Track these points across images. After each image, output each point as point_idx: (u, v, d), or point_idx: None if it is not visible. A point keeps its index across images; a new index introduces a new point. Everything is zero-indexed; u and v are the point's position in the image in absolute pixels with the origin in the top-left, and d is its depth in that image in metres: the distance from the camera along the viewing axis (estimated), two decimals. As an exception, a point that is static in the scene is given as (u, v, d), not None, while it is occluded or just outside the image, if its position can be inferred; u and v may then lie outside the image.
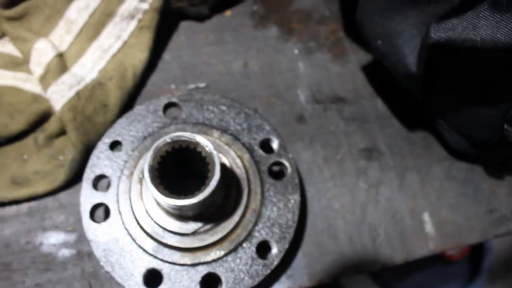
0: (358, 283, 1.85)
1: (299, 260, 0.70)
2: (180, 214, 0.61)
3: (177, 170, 0.61)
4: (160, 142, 0.56)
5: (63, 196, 0.74)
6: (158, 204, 0.61)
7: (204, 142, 0.56)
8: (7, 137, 0.74)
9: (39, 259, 0.71)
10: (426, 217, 0.74)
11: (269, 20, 0.84)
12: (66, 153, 0.74)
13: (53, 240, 0.72)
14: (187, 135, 0.56)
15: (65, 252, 0.71)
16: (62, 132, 0.75)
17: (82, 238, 0.72)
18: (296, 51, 0.82)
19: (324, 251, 0.71)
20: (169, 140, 0.56)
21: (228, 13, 0.84)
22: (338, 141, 0.77)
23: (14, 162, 0.74)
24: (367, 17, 0.68)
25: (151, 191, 0.54)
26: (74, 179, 0.74)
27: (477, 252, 1.70)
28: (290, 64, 0.81)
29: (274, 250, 0.64)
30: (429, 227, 0.73)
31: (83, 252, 0.71)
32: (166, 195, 0.54)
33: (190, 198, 0.54)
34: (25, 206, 0.74)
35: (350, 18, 0.83)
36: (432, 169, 0.77)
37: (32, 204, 0.74)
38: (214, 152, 0.55)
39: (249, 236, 0.64)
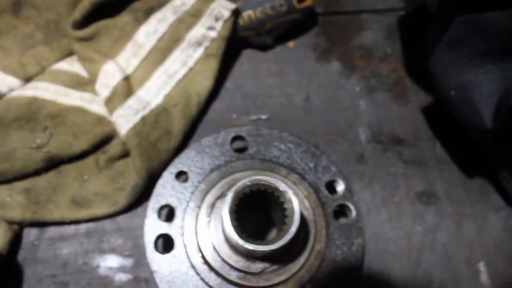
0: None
1: (355, 301, 0.71)
2: (250, 255, 0.61)
3: (248, 209, 0.61)
4: (239, 185, 0.56)
5: (121, 219, 0.75)
6: (227, 241, 0.61)
7: (284, 188, 0.56)
8: (70, 157, 0.74)
9: (96, 281, 0.72)
10: (481, 266, 0.74)
11: (331, 54, 0.84)
12: (127, 176, 0.74)
13: (110, 263, 0.73)
14: (267, 179, 0.56)
15: (122, 277, 0.72)
16: (123, 155, 0.75)
17: (139, 264, 0.72)
18: (357, 88, 0.82)
19: (380, 294, 0.71)
20: (248, 183, 0.56)
21: (291, 44, 0.84)
22: (396, 183, 0.77)
23: (74, 181, 0.75)
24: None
25: (229, 234, 0.54)
26: (133, 204, 0.74)
27: None
28: (352, 101, 0.81)
29: (337, 294, 0.64)
30: (484, 277, 0.74)
31: (140, 278, 0.72)
32: (245, 240, 0.54)
33: (269, 244, 0.54)
34: (83, 227, 0.74)
35: (411, 57, 0.84)
36: (489, 217, 0.77)
37: (91, 225, 0.74)
38: (295, 201, 0.55)
39: (312, 278, 0.65)
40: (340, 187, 0.69)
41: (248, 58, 0.83)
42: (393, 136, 0.80)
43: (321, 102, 0.81)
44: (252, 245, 0.53)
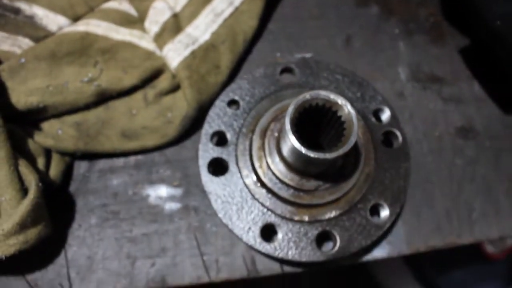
0: (398, 278, 1.87)
1: (399, 228, 0.73)
2: (304, 171, 0.63)
3: (306, 127, 0.63)
4: (300, 97, 0.58)
5: (169, 152, 0.77)
6: (283, 159, 0.63)
7: (343, 102, 0.58)
8: (119, 91, 0.76)
9: (146, 210, 0.73)
10: (521, 197, 0.76)
11: (369, -1, 0.87)
12: (174, 110, 0.76)
13: (160, 193, 0.75)
14: (326, 93, 0.58)
15: (172, 206, 0.74)
16: (171, 90, 0.77)
17: (188, 193, 0.74)
18: (396, 31, 0.85)
19: (423, 221, 0.73)
20: (308, 97, 0.58)
21: (330, -11, 0.87)
22: (436, 118, 0.79)
23: (123, 116, 0.76)
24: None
25: (291, 142, 0.55)
26: (182, 136, 0.76)
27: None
28: (391, 43, 0.84)
29: (386, 212, 0.67)
30: (524, 208, 0.76)
31: (190, 207, 0.73)
32: (306, 147, 0.55)
33: (330, 153, 0.55)
34: (132, 159, 0.76)
35: (448, 1, 0.86)
36: (527, 151, 0.79)
37: (139, 157, 0.76)
38: (353, 112, 0.57)
39: (363, 198, 0.67)
40: (386, 114, 0.71)
41: (290, 2, 0.86)
42: (431, 75, 0.82)
43: (361, 43, 0.83)
44: (314, 152, 0.55)
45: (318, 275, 2.22)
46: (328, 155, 0.55)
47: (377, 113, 0.72)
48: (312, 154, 0.55)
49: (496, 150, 0.78)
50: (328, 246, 0.69)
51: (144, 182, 0.75)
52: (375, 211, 0.67)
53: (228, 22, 0.79)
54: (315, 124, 0.63)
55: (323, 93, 0.58)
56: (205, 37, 0.77)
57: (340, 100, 0.57)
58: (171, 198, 0.74)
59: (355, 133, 0.56)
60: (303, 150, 0.55)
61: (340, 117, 0.58)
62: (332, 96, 0.58)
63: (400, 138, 0.70)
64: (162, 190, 0.75)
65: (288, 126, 0.56)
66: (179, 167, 0.75)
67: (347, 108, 0.57)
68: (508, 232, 0.74)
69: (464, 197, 0.75)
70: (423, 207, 0.74)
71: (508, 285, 1.69)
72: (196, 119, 0.74)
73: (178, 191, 0.74)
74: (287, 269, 0.71)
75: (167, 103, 0.77)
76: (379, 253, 0.72)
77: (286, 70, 0.74)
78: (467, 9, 0.75)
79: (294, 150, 0.57)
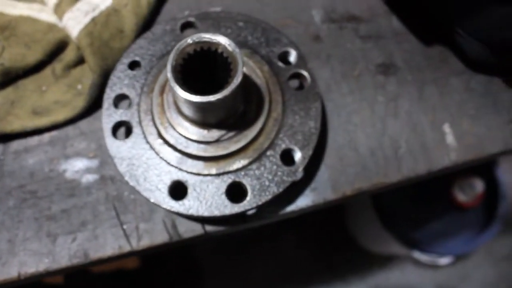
0: (378, 239, 1.86)
1: (322, 173, 0.70)
2: (204, 121, 0.61)
3: (199, 77, 0.60)
4: (182, 43, 0.55)
5: (83, 124, 0.74)
6: (181, 113, 0.61)
7: (226, 41, 0.55)
8: (25, 69, 0.74)
9: (63, 186, 0.71)
10: (446, 128, 0.74)
11: None
12: (84, 81, 0.74)
13: (76, 166, 0.73)
14: (208, 35, 0.56)
15: (89, 178, 0.72)
16: (79, 62, 0.75)
17: (104, 163, 0.72)
18: (308, -27, 0.82)
19: (347, 164, 0.71)
20: (190, 41, 0.56)
21: None
22: (355, 57, 0.76)
23: (33, 94, 0.74)
24: None
25: (174, 90, 0.53)
26: (93, 106, 0.74)
27: (491, 199, 1.69)
28: (303, -14, 0.81)
29: (298, 156, 0.64)
30: (450, 138, 0.73)
31: (106, 177, 0.71)
32: (189, 92, 0.53)
33: (213, 94, 0.53)
34: (46, 136, 0.74)
35: None
36: (450, 82, 0.76)
37: (54, 133, 0.74)
38: (237, 50, 0.55)
39: (272, 144, 0.64)
40: (292, 56, 0.69)
41: (196, -41, 0.83)
42: (348, 14, 0.79)
43: (272, -10, 0.81)
44: (197, 96, 0.53)
45: (303, 244, 2.22)
46: (212, 98, 0.53)
47: (283, 56, 0.69)
48: (194, 99, 0.53)
49: (418, 83, 0.76)
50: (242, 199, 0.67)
51: (60, 157, 0.73)
52: (287, 156, 0.65)
53: (130, -16, 0.76)
54: (211, 71, 0.61)
55: (205, 36, 0.56)
56: (106, 2, 0.75)
57: (222, 40, 0.55)
58: (88, 170, 0.72)
59: (240, 72, 0.54)
60: (186, 95, 0.53)
61: (226, 58, 0.55)
62: (214, 37, 0.55)
63: (309, 79, 0.67)
64: (78, 163, 0.73)
65: (169, 74, 0.54)
66: (93, 138, 0.73)
67: (231, 47, 0.55)
68: (436, 165, 0.72)
69: (389, 134, 0.73)
70: (346, 149, 0.72)
71: (481, 232, 1.67)
72: (104, 86, 0.72)
73: (94, 163, 0.72)
74: (210, 228, 0.69)
75: (77, 75, 0.75)
76: (303, 201, 0.70)
77: (188, 25, 0.71)
78: None
79: (180, 98, 0.54)
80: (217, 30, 0.70)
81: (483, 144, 0.74)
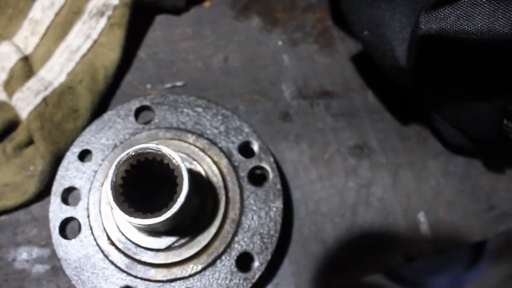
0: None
1: (286, 268, 0.66)
2: (152, 230, 0.57)
3: (145, 181, 0.56)
4: (122, 156, 0.51)
5: (35, 208, 0.70)
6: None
7: (171, 154, 0.51)
8: (-27, 148, 0.69)
9: (12, 276, 0.68)
10: (421, 217, 0.69)
11: (251, 10, 0.78)
12: (36, 162, 0.70)
13: (26, 255, 0.69)
14: (151, 146, 0.51)
15: (39, 268, 0.68)
16: (31, 141, 0.71)
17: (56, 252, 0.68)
18: (280, 43, 0.77)
19: (313, 258, 0.67)
20: (132, 153, 0.51)
21: (207, 4, 0.78)
22: (325, 138, 0.72)
23: (-18, 174, 0.70)
24: (353, 5, 0.62)
25: (114, 211, 0.49)
26: (46, 190, 0.70)
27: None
28: (274, 57, 0.76)
29: (256, 262, 0.60)
30: (424, 227, 0.69)
31: (58, 267, 0.68)
32: (130, 214, 0.49)
33: (156, 216, 0.49)
34: (-4, 220, 0.70)
35: (338, 4, 0.77)
36: (427, 165, 0.71)
37: (3, 218, 0.70)
38: (182, 165, 0.50)
39: (228, 248, 0.60)
40: (254, 147, 0.64)
41: (161, 24, 0.78)
42: (320, 90, 0.74)
43: (241, 62, 0.76)
44: (138, 219, 0.48)
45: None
46: (155, 220, 0.49)
47: (244, 148, 0.64)
48: (135, 221, 0.49)
49: (393, 166, 0.71)
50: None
51: (9, 244, 0.69)
52: (244, 261, 0.60)
53: (86, 58, 0.72)
54: (155, 172, 0.56)
55: (148, 146, 0.51)
56: (60, 79, 0.70)
57: (168, 152, 0.51)
58: (38, 259, 0.68)
59: (186, 189, 0.50)
60: (129, 219, 0.49)
61: (173, 170, 0.51)
62: (159, 149, 0.51)
63: (271, 174, 0.63)
64: (28, 252, 0.69)
65: (109, 192, 0.49)
66: (46, 225, 0.69)
67: (175, 161, 0.50)
68: (409, 256, 0.67)
69: (358, 224, 0.68)
70: (312, 242, 0.67)
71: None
72: (56, 170, 0.68)
73: (45, 251, 0.68)
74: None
75: (29, 155, 0.71)
76: (261, 299, 0.65)
77: (144, 108, 0.67)
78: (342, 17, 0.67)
79: (121, 217, 0.50)
80: (174, 116, 0.65)
81: (459, 234, 0.69)
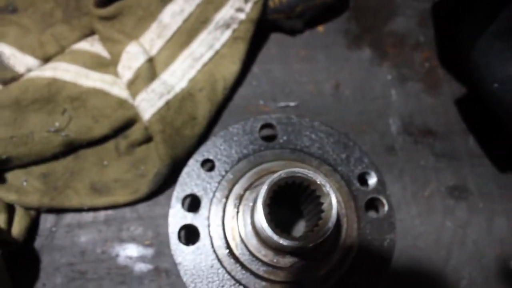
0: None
1: (382, 298, 0.68)
2: (279, 248, 0.59)
3: (278, 201, 0.58)
4: (275, 177, 0.53)
5: (142, 208, 0.72)
6: (257, 234, 0.59)
7: (321, 181, 0.53)
8: (89, 141, 0.71)
9: (115, 271, 0.69)
10: (514, 264, 0.72)
11: (362, 40, 0.81)
12: (148, 163, 0.72)
13: (130, 252, 0.70)
14: (304, 171, 0.53)
15: (142, 267, 0.70)
16: (145, 141, 0.72)
17: (160, 254, 0.70)
18: (389, 77, 0.79)
19: (407, 291, 0.69)
20: (284, 176, 0.53)
21: (320, 29, 0.81)
22: (427, 176, 0.74)
23: (93, 167, 0.72)
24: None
25: (262, 228, 0.51)
26: (155, 192, 0.71)
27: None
28: (383, 91, 0.78)
29: (367, 292, 0.62)
30: (515, 275, 0.71)
31: (161, 269, 0.69)
32: (279, 235, 0.51)
33: (304, 240, 0.51)
34: (102, 214, 0.72)
35: (445, 45, 0.80)
36: (522, 214, 0.74)
37: (110, 212, 0.72)
38: (333, 196, 0.52)
39: (344, 277, 0.62)
40: (373, 180, 0.66)
41: (276, 43, 0.80)
42: (424, 128, 0.77)
43: (351, 90, 0.78)
44: (287, 240, 0.51)
45: None
46: (302, 243, 0.51)
47: (362, 177, 0.67)
48: (285, 242, 0.51)
49: (489, 212, 0.74)
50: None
51: (114, 239, 0.71)
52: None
53: (207, 67, 0.74)
54: (295, 195, 0.59)
55: (300, 171, 0.53)
56: (181, 84, 0.72)
57: (319, 180, 0.53)
58: (142, 258, 0.70)
59: (333, 219, 0.52)
60: (275, 237, 0.51)
61: (319, 196, 0.53)
62: (310, 175, 0.53)
63: (386, 206, 0.65)
64: (133, 250, 0.70)
65: (260, 209, 0.51)
66: (151, 225, 0.71)
67: (326, 190, 0.53)
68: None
69: (453, 264, 0.71)
70: (408, 276, 0.70)
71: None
72: (170, 174, 0.69)
73: (149, 251, 0.70)
74: None
75: (141, 154, 0.73)
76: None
77: (267, 126, 0.69)
78: (465, 64, 0.70)
79: (267, 235, 0.52)
80: (298, 139, 0.67)
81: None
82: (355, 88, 0.78)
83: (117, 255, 0.70)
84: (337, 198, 0.63)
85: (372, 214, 0.66)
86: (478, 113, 0.75)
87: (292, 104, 0.76)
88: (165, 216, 0.70)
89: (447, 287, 0.70)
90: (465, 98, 0.79)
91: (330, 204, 0.53)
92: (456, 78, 0.80)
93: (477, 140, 0.77)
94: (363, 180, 0.68)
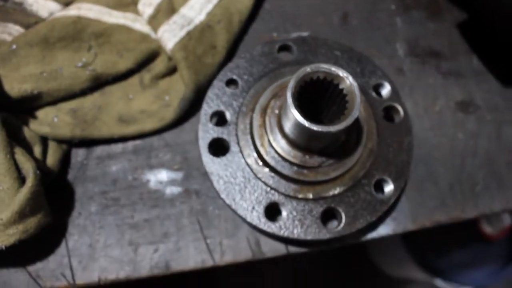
0: (399, 263, 1.87)
1: (403, 204, 0.72)
2: (307, 148, 0.62)
3: (309, 104, 0.62)
4: (301, 71, 0.56)
5: (168, 135, 0.75)
6: (285, 137, 0.62)
7: (344, 73, 0.57)
8: (115, 76, 0.75)
9: (146, 196, 0.72)
10: (523, 169, 0.76)
11: (365, -26, 0.85)
12: (172, 93, 0.75)
13: (160, 177, 0.73)
14: (326, 66, 0.57)
15: (173, 190, 0.73)
16: (168, 73, 0.76)
17: (189, 177, 0.73)
18: (393, 7, 0.84)
19: (427, 197, 0.73)
20: (309, 70, 0.57)
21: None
22: (436, 93, 0.78)
23: (119, 101, 0.75)
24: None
25: (294, 117, 0.54)
26: (180, 119, 0.75)
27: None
28: (388, 19, 0.83)
29: (391, 187, 0.66)
30: (526, 179, 0.75)
31: (191, 190, 0.72)
32: (311, 122, 0.54)
33: (333, 125, 0.54)
34: (130, 144, 0.75)
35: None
36: (527, 124, 0.79)
37: (138, 142, 0.75)
38: (355, 83, 0.56)
39: (367, 174, 0.66)
40: (387, 89, 0.70)
41: (284, -19, 0.84)
42: (430, 50, 0.81)
43: (358, 21, 0.82)
44: (318, 125, 0.54)
45: (322, 267, 2.23)
46: (332, 128, 0.54)
47: (377, 88, 0.71)
48: (315, 128, 0.54)
49: (497, 123, 0.78)
50: (333, 224, 0.68)
51: (144, 167, 0.74)
52: (379, 186, 0.67)
53: (223, 2, 0.78)
54: (317, 99, 0.62)
55: (324, 66, 0.57)
56: (200, 17, 0.76)
57: (342, 73, 0.57)
58: (172, 182, 0.73)
59: (358, 105, 0.55)
60: (306, 123, 0.54)
61: (342, 90, 0.57)
62: (333, 69, 0.57)
63: (402, 112, 0.69)
64: (162, 175, 0.73)
65: (290, 100, 0.55)
66: (178, 151, 0.74)
67: (349, 80, 0.56)
68: (511, 204, 0.74)
69: (467, 171, 0.75)
70: (426, 182, 0.74)
71: (506, 265, 1.70)
72: (194, 101, 0.73)
73: (178, 175, 0.73)
74: (292, 249, 0.70)
75: (164, 86, 0.76)
76: (384, 230, 0.71)
77: (284, 47, 0.73)
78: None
79: (297, 125, 0.56)
80: (314, 57, 0.71)
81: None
82: (362, 19, 0.82)
83: (148, 181, 0.73)
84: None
85: (389, 121, 0.69)
86: (479, 36, 0.80)
87: (304, 34, 0.80)
88: (192, 142, 0.74)
89: (464, 192, 0.74)
90: (466, 22, 0.83)
91: (353, 93, 0.56)
92: (457, 5, 0.85)
93: (480, 59, 0.81)
94: (378, 91, 0.72)
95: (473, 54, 0.81)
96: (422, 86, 0.79)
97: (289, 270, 2.15)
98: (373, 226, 0.71)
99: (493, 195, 0.74)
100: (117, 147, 0.75)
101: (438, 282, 1.75)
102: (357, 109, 0.55)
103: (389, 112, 0.71)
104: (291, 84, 0.56)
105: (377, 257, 2.12)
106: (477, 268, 1.68)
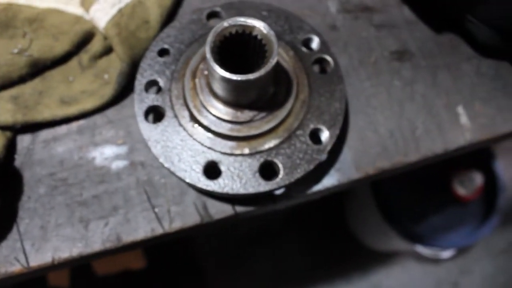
0: (374, 230, 1.89)
1: (346, 154, 0.74)
2: (237, 102, 0.63)
3: (232, 60, 0.63)
4: (219, 25, 0.58)
5: (110, 112, 0.76)
6: (215, 94, 0.64)
7: (261, 24, 0.58)
8: (53, 60, 0.76)
9: (93, 172, 0.73)
10: (460, 109, 0.77)
11: None
12: (110, 71, 0.76)
13: (105, 153, 0.74)
14: (243, 19, 0.58)
15: (119, 164, 0.74)
16: (105, 52, 0.77)
17: (133, 150, 0.74)
18: (321, -33, 0.85)
19: (368, 145, 0.74)
20: (227, 24, 0.58)
21: None
22: (370, 45, 0.80)
23: (60, 84, 0.76)
24: None
25: (214, 69, 0.56)
26: (120, 95, 0.76)
27: (490, 192, 1.74)
28: (318, -20, 0.84)
29: (326, 135, 0.67)
30: (464, 119, 0.77)
31: (136, 162, 0.73)
32: (229, 71, 0.56)
33: (252, 73, 0.56)
34: (74, 125, 0.76)
35: None
36: (461, 67, 0.80)
37: (81, 122, 0.76)
38: (271, 32, 0.57)
39: (301, 124, 0.67)
40: (316, 42, 0.72)
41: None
42: (361, 5, 0.83)
43: (289, -18, 0.84)
44: (237, 75, 0.55)
45: (303, 242, 2.24)
46: (251, 76, 0.56)
47: (307, 43, 0.72)
48: (235, 77, 0.56)
49: (432, 68, 0.79)
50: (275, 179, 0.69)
51: (89, 145, 0.75)
52: (315, 136, 0.68)
53: (152, -21, 0.79)
54: (242, 55, 0.64)
55: (240, 19, 0.59)
56: (131, -6, 0.77)
57: (257, 23, 0.58)
58: (117, 156, 0.74)
59: (275, 51, 0.57)
60: (226, 74, 0.56)
61: (261, 40, 0.58)
62: (249, 21, 0.58)
63: (332, 63, 0.71)
64: (107, 150, 0.74)
65: (209, 55, 0.56)
66: (121, 126, 0.75)
67: (265, 29, 0.58)
68: (452, 145, 0.75)
69: (406, 117, 0.76)
70: (367, 131, 0.75)
71: (482, 224, 1.72)
72: (132, 75, 0.74)
73: (123, 149, 0.74)
74: (240, 209, 0.71)
75: (103, 65, 0.77)
76: (329, 181, 0.73)
77: (213, 14, 0.74)
78: None
79: (220, 79, 0.57)
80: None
81: (495, 124, 0.78)
82: (292, -20, 0.84)
83: (93, 158, 0.74)
84: (284, 58, 0.68)
85: (321, 72, 0.71)
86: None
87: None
88: (133, 116, 0.75)
89: (404, 137, 0.75)
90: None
91: (270, 40, 0.57)
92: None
93: (411, 9, 0.83)
94: (307, 45, 0.73)
95: (404, 5, 0.83)
96: (356, 40, 0.80)
97: (274, 252, 2.17)
98: (317, 178, 0.72)
99: (434, 138, 0.76)
100: (62, 129, 0.76)
101: (419, 248, 1.76)
102: (275, 55, 0.57)
103: (321, 65, 0.72)
104: (209, 39, 0.57)
105: (359, 233, 2.15)
106: (454, 230, 1.70)
